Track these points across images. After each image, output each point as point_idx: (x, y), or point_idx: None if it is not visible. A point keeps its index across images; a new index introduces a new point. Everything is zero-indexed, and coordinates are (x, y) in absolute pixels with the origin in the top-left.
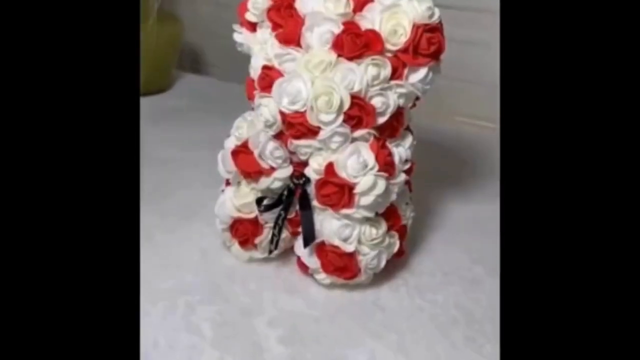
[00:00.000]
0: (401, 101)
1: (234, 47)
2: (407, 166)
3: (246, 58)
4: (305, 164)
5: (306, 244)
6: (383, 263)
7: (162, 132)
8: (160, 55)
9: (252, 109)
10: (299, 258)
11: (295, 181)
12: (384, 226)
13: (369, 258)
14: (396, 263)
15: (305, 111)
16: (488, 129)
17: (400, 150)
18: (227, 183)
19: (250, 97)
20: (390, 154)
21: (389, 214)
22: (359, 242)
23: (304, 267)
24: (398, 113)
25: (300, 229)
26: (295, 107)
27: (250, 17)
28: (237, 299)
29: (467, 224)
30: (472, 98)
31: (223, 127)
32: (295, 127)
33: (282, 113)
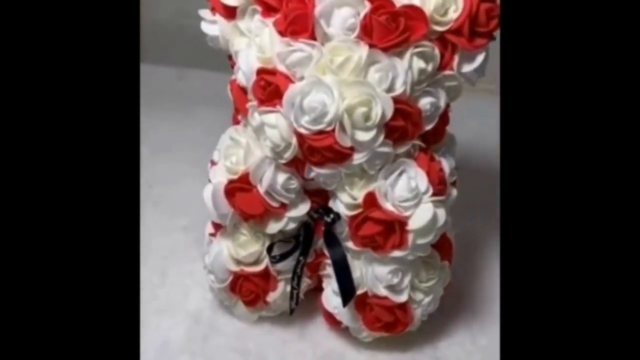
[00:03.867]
0: (450, 97)
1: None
2: (455, 177)
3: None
4: (322, 191)
5: (346, 301)
6: (437, 305)
7: None
8: None
9: (238, 122)
10: (325, 310)
11: (314, 215)
12: (438, 260)
13: (424, 305)
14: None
15: (333, 130)
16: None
17: (449, 159)
18: (216, 225)
19: (242, 110)
20: (441, 168)
21: (440, 242)
22: (412, 287)
23: (333, 321)
24: (443, 111)
25: (323, 272)
26: (320, 127)
27: None
28: None
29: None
30: None
31: None
32: (319, 152)
33: (299, 135)
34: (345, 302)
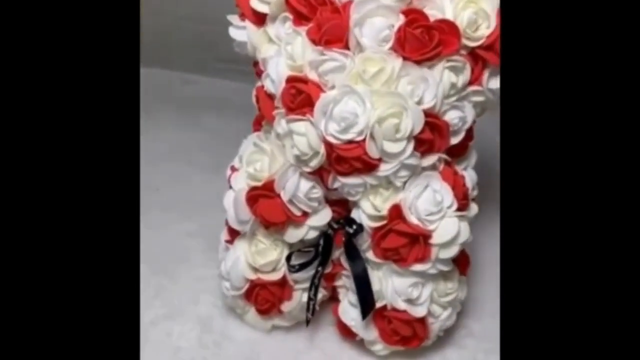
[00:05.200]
0: (476, 112)
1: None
2: (476, 192)
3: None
4: (344, 201)
5: (365, 313)
6: (454, 320)
7: None
8: None
9: (259, 129)
10: (340, 320)
11: (335, 225)
12: (456, 274)
13: (442, 320)
14: None
15: (363, 140)
16: None
17: (471, 174)
18: (232, 232)
19: (267, 117)
20: (464, 183)
21: (459, 257)
22: (431, 301)
23: (347, 333)
24: (469, 127)
25: (339, 283)
26: (349, 136)
27: (257, 5)
28: None
29: None
30: None
31: None
32: (347, 162)
33: (328, 144)
34: (364, 315)
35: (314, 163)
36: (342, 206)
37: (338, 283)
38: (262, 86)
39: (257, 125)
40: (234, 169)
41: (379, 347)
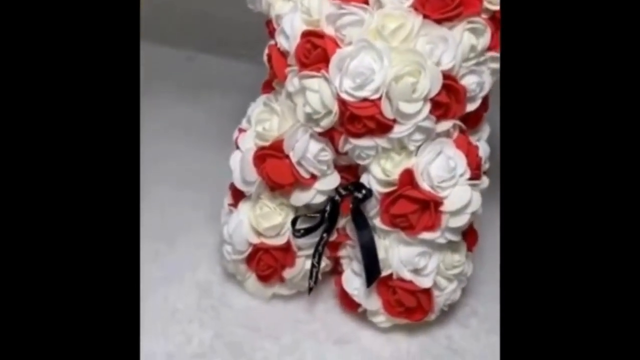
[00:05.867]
0: (493, 81)
1: None
2: (488, 165)
3: None
4: (353, 168)
5: (370, 281)
6: (459, 295)
7: None
8: None
9: (269, 91)
10: (342, 291)
11: (342, 192)
12: (464, 249)
13: (447, 293)
14: None
15: (379, 99)
16: None
17: (484, 146)
18: (236, 195)
19: (279, 76)
20: (478, 153)
21: (468, 231)
22: (437, 273)
23: (349, 304)
24: (485, 96)
25: (342, 253)
26: (364, 94)
27: None
28: None
29: None
30: None
31: None
32: (361, 121)
33: (342, 101)
34: (369, 283)
35: (326, 122)
36: (350, 173)
37: (342, 253)
38: (275, 44)
39: (267, 88)
40: (241, 130)
41: (382, 319)
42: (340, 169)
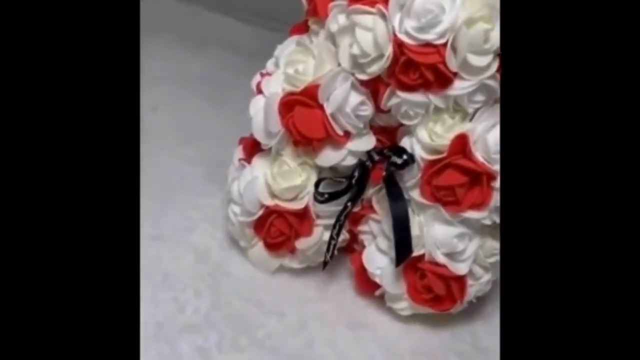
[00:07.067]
0: None
1: None
2: None
3: None
4: (389, 130)
5: (400, 259)
6: (490, 286)
7: None
8: None
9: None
10: (359, 270)
11: (375, 156)
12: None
13: (482, 283)
14: None
15: (444, 45)
16: None
17: None
18: (251, 149)
19: (320, 12)
20: None
21: None
22: (474, 260)
23: (367, 285)
24: None
25: (364, 228)
26: (428, 37)
27: None
28: (279, 342)
29: None
30: None
31: None
32: (418, 70)
33: (398, 44)
34: (399, 262)
35: (374, 68)
36: (386, 136)
37: (363, 228)
38: None
39: (298, 31)
40: (264, 75)
41: (403, 305)
42: (375, 130)
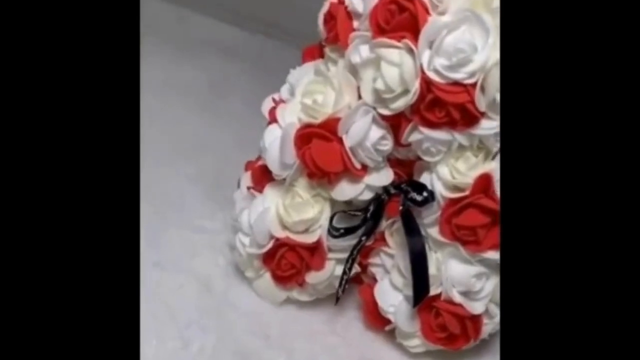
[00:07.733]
0: None
1: None
2: None
3: None
4: (406, 164)
5: (417, 300)
6: None
7: None
8: None
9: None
10: (369, 304)
11: (392, 191)
12: None
13: (497, 322)
14: None
15: (473, 85)
16: None
17: None
18: (261, 178)
19: (343, 40)
20: None
21: None
22: (490, 299)
23: (376, 320)
24: None
25: (375, 260)
26: (458, 76)
27: None
28: None
29: None
30: None
31: None
32: (444, 108)
33: (426, 81)
34: (416, 302)
35: (399, 104)
36: (403, 169)
37: (374, 260)
38: (342, 2)
39: (310, 56)
40: (278, 102)
41: (416, 343)
42: (392, 163)
